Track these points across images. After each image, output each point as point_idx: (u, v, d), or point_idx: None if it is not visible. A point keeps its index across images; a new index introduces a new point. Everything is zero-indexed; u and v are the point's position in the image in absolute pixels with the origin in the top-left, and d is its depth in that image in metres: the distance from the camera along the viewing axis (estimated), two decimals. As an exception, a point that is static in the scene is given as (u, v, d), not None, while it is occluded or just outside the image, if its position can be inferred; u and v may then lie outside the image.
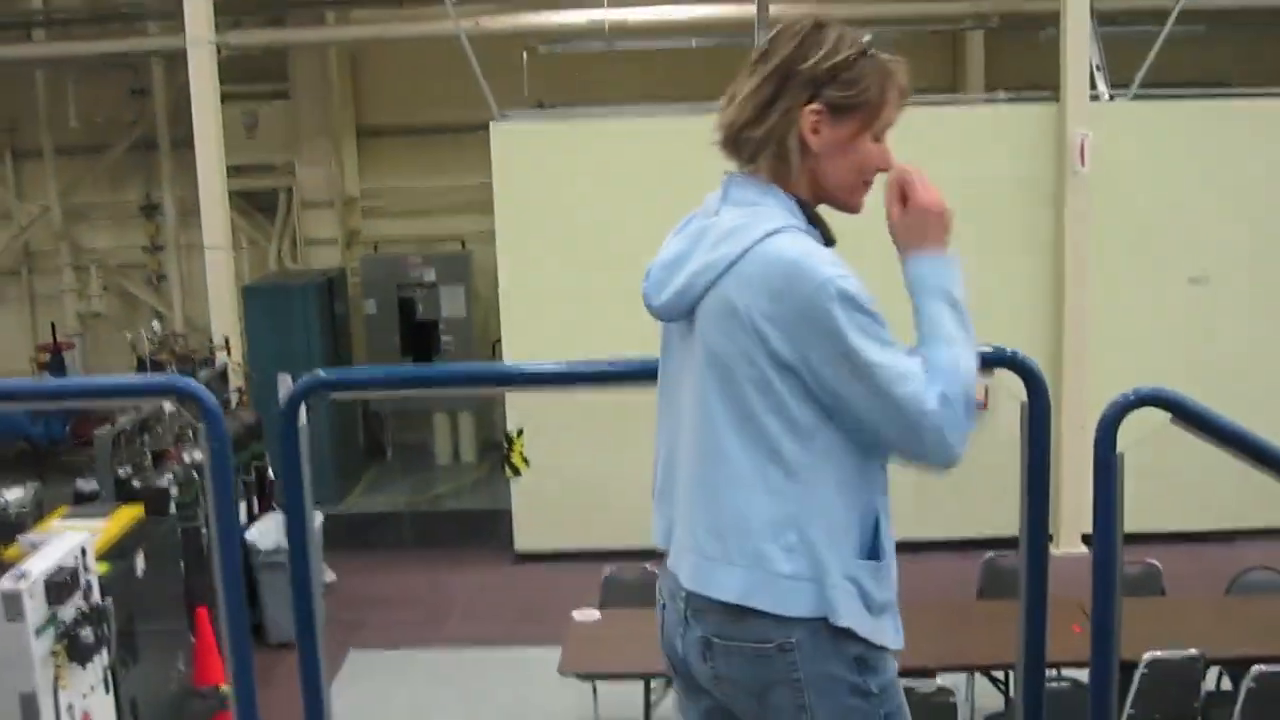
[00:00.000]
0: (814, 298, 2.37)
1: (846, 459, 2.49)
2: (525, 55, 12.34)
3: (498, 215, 10.90)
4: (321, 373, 3.00)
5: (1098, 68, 10.83)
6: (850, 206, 2.60)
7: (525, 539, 11.18)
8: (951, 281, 2.52)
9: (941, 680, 6.59)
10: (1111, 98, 10.80)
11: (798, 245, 2.44)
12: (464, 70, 10.61)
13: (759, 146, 2.55)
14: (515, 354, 10.89)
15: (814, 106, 2.50)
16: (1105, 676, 3.11)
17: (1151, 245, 10.73)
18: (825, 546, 2.47)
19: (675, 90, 11.98)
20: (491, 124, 10.73)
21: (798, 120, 2.51)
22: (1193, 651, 6.53)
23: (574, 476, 10.92)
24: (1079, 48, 10.51)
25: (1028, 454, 2.97)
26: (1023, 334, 10.79)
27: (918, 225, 2.54)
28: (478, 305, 13.32)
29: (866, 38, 2.56)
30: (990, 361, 2.84)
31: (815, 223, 2.57)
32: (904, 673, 6.89)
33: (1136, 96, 10.64)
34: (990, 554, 8.11)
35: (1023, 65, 12.34)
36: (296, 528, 3.01)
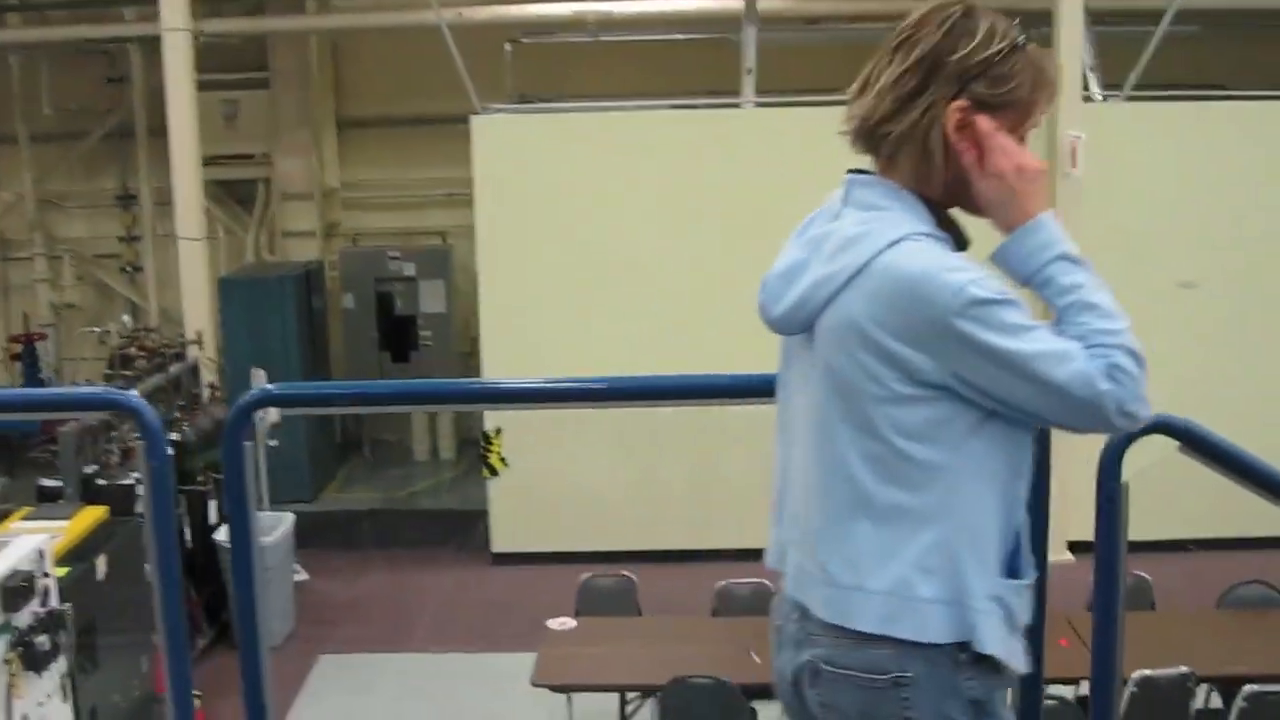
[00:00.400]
0: (947, 309, 2.20)
1: (990, 475, 2.33)
2: (508, 47, 12.14)
3: (478, 210, 10.71)
4: (272, 388, 2.80)
5: (1091, 69, 10.68)
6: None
7: (503, 540, 10.99)
8: (1065, 241, 2.31)
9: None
10: (1104, 99, 10.63)
11: (923, 255, 2.27)
12: (447, 61, 10.41)
13: (898, 143, 2.35)
14: (494, 355, 10.70)
15: (960, 103, 2.31)
16: (1106, 709, 2.97)
17: (1143, 249, 10.54)
18: (969, 567, 2.31)
19: (660, 84, 11.80)
20: (473, 117, 10.53)
21: (942, 117, 2.31)
22: (1183, 669, 6.36)
23: (555, 476, 10.74)
24: (1072, 48, 10.34)
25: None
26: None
27: (1010, 195, 2.33)
28: (458, 301, 13.11)
29: (1018, 27, 2.36)
30: None
31: (946, 226, 2.39)
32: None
33: (1130, 98, 10.47)
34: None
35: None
36: (240, 548, 2.80)
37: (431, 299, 13.11)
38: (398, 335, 13.16)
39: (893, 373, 2.26)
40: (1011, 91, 2.32)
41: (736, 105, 10.95)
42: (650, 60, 12.45)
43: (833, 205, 2.44)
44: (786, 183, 10.71)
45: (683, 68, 12.21)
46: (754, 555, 9.80)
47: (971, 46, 2.30)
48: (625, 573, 7.92)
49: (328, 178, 13.94)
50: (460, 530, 11.40)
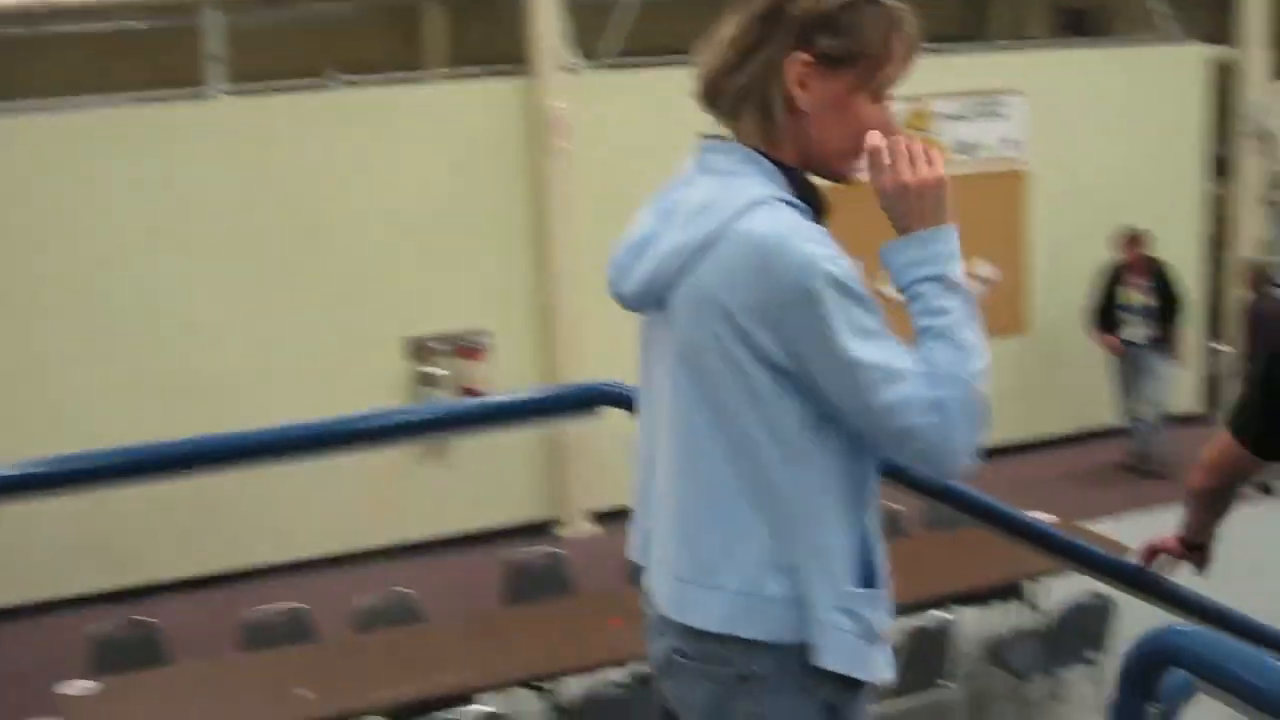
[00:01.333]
0: (798, 282, 2.03)
1: (842, 471, 2.18)
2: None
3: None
4: None
5: (566, 38, 10.60)
6: (842, 175, 2.26)
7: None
8: (951, 261, 2.16)
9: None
10: (585, 69, 10.61)
11: (779, 221, 2.09)
12: None
13: (739, 100, 2.20)
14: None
15: (802, 56, 2.14)
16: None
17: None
18: (817, 571, 2.16)
19: (124, 76, 10.87)
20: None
21: (782, 71, 2.15)
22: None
23: (41, 512, 9.66)
24: (546, 17, 10.30)
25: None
26: (513, 319, 10.51)
27: (910, 205, 2.17)
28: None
29: None
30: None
31: (805, 194, 2.20)
32: (434, 704, 6.28)
33: (611, 66, 10.51)
34: (516, 550, 7.68)
35: (489, 39, 11.98)
36: None
37: None
38: None
39: (743, 350, 2.09)
40: (859, 44, 2.18)
41: (204, 96, 10.21)
42: (111, 51, 11.42)
43: (685, 173, 2.27)
44: (263, 172, 10.15)
45: (148, 57, 11.28)
46: (277, 572, 9.10)
47: None
48: (142, 617, 7.23)
49: None
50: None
